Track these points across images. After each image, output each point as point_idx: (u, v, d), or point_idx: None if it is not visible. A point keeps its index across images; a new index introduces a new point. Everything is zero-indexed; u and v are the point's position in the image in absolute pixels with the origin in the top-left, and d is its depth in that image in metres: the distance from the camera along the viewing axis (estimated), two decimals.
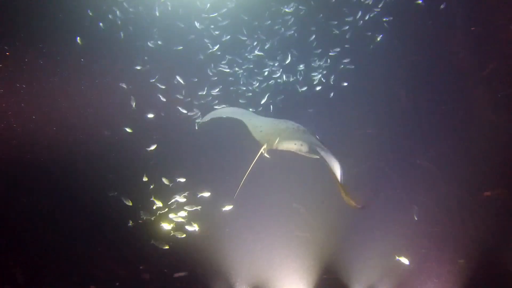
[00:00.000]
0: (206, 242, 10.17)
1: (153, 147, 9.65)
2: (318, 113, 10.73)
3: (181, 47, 10.30)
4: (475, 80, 10.09)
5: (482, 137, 9.82)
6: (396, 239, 9.49)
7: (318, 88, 10.48)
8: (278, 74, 10.54)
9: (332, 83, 10.48)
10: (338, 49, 10.25)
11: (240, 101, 10.49)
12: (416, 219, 9.09)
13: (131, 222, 9.42)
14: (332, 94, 10.46)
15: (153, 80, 10.05)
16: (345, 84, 10.41)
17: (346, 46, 10.32)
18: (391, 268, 9.27)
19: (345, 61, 10.30)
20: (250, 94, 10.72)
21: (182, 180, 9.59)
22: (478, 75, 10.06)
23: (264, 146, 6.22)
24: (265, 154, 6.28)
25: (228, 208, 9.45)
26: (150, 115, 9.96)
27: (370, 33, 10.37)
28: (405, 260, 8.56)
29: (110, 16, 9.88)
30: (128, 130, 9.90)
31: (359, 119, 10.63)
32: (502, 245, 9.01)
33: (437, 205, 9.72)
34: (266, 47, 10.57)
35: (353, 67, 10.33)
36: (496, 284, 8.69)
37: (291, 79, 10.68)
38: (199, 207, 9.37)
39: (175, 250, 9.91)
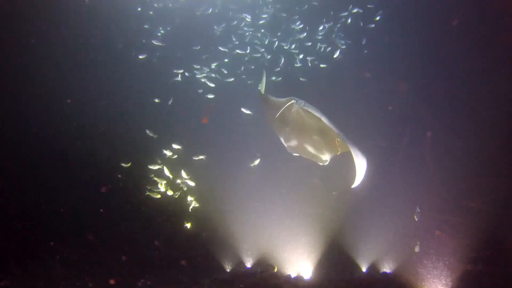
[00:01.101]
0: (215, 216, 10.44)
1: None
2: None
3: None
4: None
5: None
6: (404, 221, 9.63)
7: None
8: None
9: None
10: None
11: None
12: (416, 219, 9.13)
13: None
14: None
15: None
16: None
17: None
18: (397, 249, 9.44)
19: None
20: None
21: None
22: None
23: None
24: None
25: (256, 162, 9.87)
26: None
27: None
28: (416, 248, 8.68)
29: None
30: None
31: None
32: None
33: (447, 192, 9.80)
34: None
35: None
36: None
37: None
38: (204, 156, 9.79)
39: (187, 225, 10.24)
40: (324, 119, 6.32)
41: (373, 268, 9.37)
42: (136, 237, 10.16)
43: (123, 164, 10.00)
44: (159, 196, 9.98)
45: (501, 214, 9.00)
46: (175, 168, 10.14)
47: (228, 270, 9.82)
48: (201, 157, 10.20)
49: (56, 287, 8.23)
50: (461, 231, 8.98)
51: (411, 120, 10.48)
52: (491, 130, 9.59)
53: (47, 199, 9.92)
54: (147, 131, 9.94)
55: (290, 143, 6.96)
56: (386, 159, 10.26)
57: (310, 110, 6.51)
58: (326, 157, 6.81)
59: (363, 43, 10.57)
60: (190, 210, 10.11)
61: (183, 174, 10.13)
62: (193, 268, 10.13)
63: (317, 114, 6.31)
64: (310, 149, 6.71)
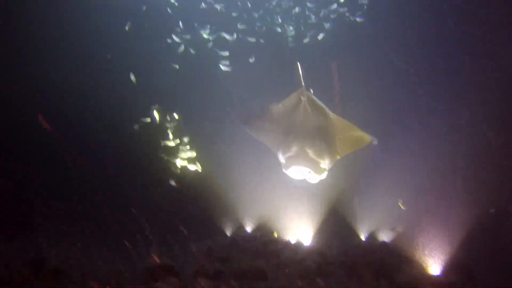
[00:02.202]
0: (215, 181, 10.49)
1: None
2: None
3: None
4: None
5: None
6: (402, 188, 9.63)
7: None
8: None
9: None
10: None
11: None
12: (403, 209, 9.05)
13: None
14: None
15: None
16: None
17: None
18: (394, 216, 9.47)
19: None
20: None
21: None
22: None
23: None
24: None
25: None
26: None
27: None
28: (402, 204, 8.66)
29: None
30: None
31: None
32: None
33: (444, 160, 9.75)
34: None
35: None
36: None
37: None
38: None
39: (186, 188, 10.30)
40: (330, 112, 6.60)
41: (372, 237, 9.43)
42: (136, 202, 10.28)
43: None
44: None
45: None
46: (176, 134, 10.13)
47: (228, 234, 9.94)
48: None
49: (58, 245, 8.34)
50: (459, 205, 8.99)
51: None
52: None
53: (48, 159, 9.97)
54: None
55: (290, 152, 6.85)
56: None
57: (318, 101, 6.75)
58: (325, 165, 6.77)
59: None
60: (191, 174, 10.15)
61: (185, 139, 10.14)
62: (193, 232, 10.27)
63: (324, 106, 6.58)
64: (311, 154, 6.64)
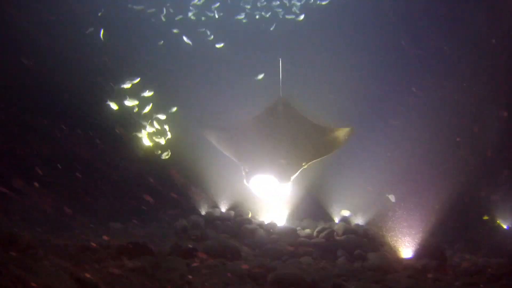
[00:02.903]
0: (190, 162, 10.40)
1: None
2: None
3: None
4: None
5: None
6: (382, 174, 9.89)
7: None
8: None
9: None
10: None
11: None
12: (393, 201, 9.29)
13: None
14: None
15: None
16: None
17: None
18: (372, 204, 9.72)
19: None
20: None
21: None
22: None
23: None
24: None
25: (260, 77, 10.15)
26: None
27: None
28: (392, 197, 8.88)
29: None
30: None
31: None
32: None
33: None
34: None
35: None
36: None
37: None
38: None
39: (160, 172, 10.19)
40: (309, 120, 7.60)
41: (345, 220, 9.67)
42: (110, 179, 10.10)
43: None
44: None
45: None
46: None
47: (203, 213, 9.92)
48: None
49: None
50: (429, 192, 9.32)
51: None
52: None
53: None
54: None
55: (251, 165, 7.47)
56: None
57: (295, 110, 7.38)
58: (291, 173, 7.43)
59: None
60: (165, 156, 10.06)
61: (160, 116, 10.01)
62: (168, 211, 10.21)
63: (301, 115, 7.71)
64: (283, 161, 7.24)
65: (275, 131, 7.64)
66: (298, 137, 7.72)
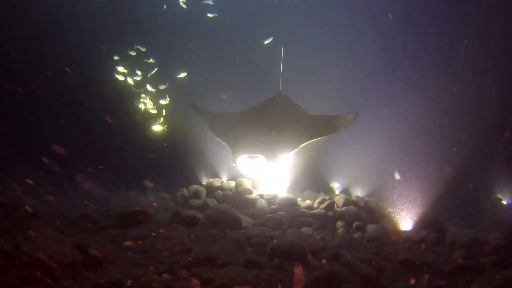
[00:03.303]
0: (191, 131, 10.38)
1: None
2: None
3: None
4: None
5: None
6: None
7: None
8: None
9: None
10: None
11: None
12: (397, 178, 9.21)
13: None
14: None
15: None
16: None
17: None
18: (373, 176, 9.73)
19: None
20: None
21: None
22: None
23: None
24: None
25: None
26: None
27: None
28: (397, 175, 8.85)
29: None
30: None
31: None
32: None
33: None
34: None
35: None
36: None
37: None
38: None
39: (162, 138, 10.17)
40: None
41: (346, 191, 9.70)
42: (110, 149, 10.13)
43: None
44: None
45: None
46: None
47: (203, 183, 9.95)
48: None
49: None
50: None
51: None
52: None
53: None
54: None
55: (247, 140, 7.71)
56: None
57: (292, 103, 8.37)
58: (280, 151, 7.72)
59: None
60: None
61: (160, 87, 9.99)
62: (168, 180, 10.26)
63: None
64: (274, 133, 7.53)
65: (269, 117, 7.91)
66: (291, 120, 7.97)
